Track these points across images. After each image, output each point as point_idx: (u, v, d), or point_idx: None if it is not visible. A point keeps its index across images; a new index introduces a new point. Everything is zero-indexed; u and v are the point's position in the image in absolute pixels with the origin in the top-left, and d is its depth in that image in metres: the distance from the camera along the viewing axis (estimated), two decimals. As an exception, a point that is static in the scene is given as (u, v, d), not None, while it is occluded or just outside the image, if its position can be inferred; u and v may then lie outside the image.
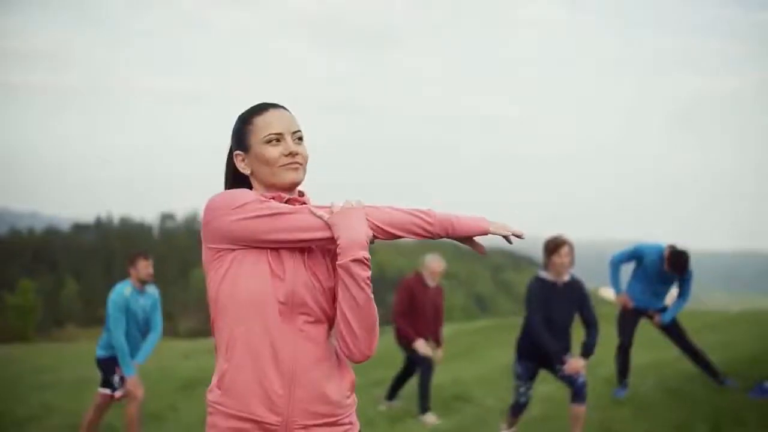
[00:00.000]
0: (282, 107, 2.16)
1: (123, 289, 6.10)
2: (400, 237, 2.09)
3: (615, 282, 6.94)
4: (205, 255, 2.09)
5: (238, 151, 2.16)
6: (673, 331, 6.86)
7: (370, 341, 2.06)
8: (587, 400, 5.44)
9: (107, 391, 6.20)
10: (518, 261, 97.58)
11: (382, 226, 2.06)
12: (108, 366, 6.20)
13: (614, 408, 6.46)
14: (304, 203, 2.14)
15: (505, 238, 2.15)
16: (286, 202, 2.11)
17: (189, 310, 52.47)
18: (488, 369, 9.82)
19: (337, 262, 2.02)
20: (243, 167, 2.16)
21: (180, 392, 10.04)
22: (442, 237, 2.10)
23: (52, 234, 77.05)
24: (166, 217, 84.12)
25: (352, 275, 1.99)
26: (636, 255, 6.85)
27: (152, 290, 6.33)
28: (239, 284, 2.02)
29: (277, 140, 2.10)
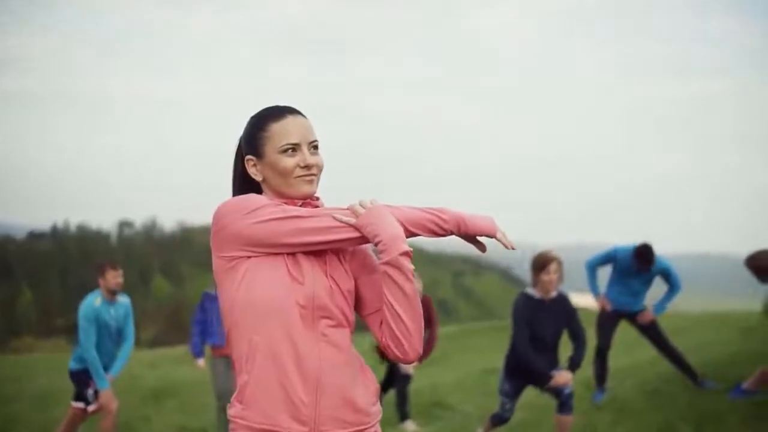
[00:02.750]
0: (299, 113, 2.08)
1: (93, 301, 5.94)
2: (416, 235, 2.05)
3: (592, 285, 6.95)
4: (218, 265, 2.00)
5: (250, 156, 2.08)
6: (653, 333, 6.88)
7: (421, 337, 2.01)
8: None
9: (80, 404, 6.03)
10: (478, 266, 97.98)
11: (404, 224, 2.00)
12: (81, 379, 6.03)
13: (595, 412, 6.45)
14: (317, 207, 2.07)
15: (503, 245, 2.12)
16: (300, 206, 2.04)
17: (149, 319, 51.75)
18: (463, 375, 9.79)
19: (382, 260, 1.95)
20: (254, 173, 2.08)
21: (150, 402, 9.84)
22: (452, 234, 2.08)
23: (7, 242, 75.43)
24: (124, 224, 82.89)
25: (402, 269, 1.94)
26: (610, 257, 6.86)
27: (123, 300, 6.17)
28: (256, 291, 1.94)
29: (293, 150, 2.02)
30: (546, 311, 5.26)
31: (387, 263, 1.94)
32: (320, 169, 2.06)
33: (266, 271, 1.94)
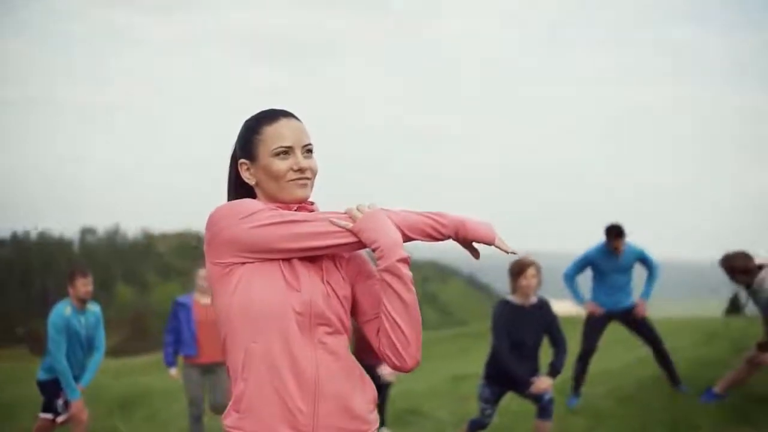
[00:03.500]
0: (293, 116, 2.05)
1: (63, 309, 5.81)
2: (414, 239, 2.02)
3: (575, 294, 6.98)
4: (212, 272, 1.95)
5: (243, 160, 2.04)
6: (646, 330, 6.91)
7: (419, 345, 1.97)
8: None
9: (49, 415, 5.89)
10: (444, 272, 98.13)
11: (402, 229, 1.98)
12: (50, 389, 5.89)
13: (569, 418, 6.47)
14: (312, 211, 2.04)
15: (502, 250, 2.10)
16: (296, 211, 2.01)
17: (112, 328, 51.08)
18: (436, 381, 9.77)
19: (379, 267, 1.91)
20: (248, 177, 2.04)
21: (117, 413, 9.71)
22: (450, 239, 2.05)
23: (-35, 250, 73.89)
24: (87, 231, 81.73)
25: (400, 276, 1.91)
26: (586, 261, 6.90)
27: (94, 308, 6.05)
28: (252, 297, 1.89)
29: (286, 153, 1.99)
30: (526, 317, 5.25)
31: (385, 270, 1.91)
32: (314, 173, 2.02)
33: (262, 278, 1.90)
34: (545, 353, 5.32)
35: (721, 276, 6.61)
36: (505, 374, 5.25)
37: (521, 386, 5.24)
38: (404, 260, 1.91)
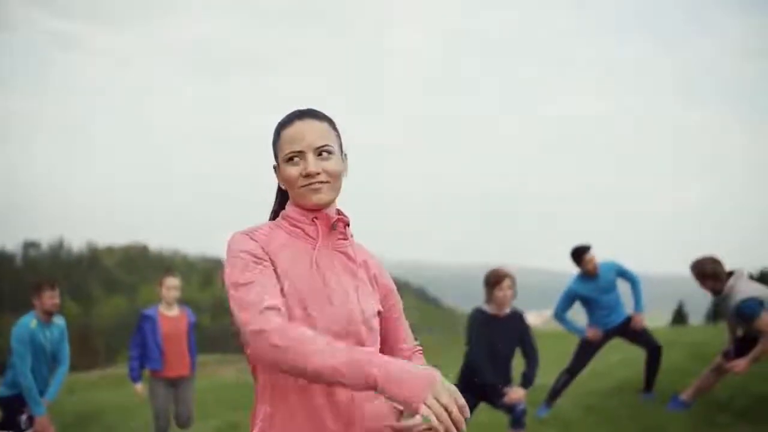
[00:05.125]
0: (311, 116, 1.92)
1: (28, 322, 5.66)
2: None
3: (573, 329, 7.06)
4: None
5: (274, 164, 1.98)
6: (645, 338, 6.96)
7: None
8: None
9: (9, 432, 5.71)
10: (398, 287, 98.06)
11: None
12: (13, 405, 5.71)
13: (539, 428, 6.49)
14: (344, 235, 1.96)
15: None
16: (333, 227, 1.93)
17: (57, 343, 49.77)
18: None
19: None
20: (279, 181, 1.99)
21: (74, 429, 9.50)
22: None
23: None
24: (29, 245, 79.87)
25: None
26: (569, 295, 6.97)
27: (59, 321, 5.91)
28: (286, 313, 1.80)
29: (297, 158, 1.88)
30: (499, 327, 5.29)
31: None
32: (331, 174, 1.89)
33: (293, 296, 1.82)
34: (518, 364, 5.36)
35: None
36: (479, 385, 5.27)
37: (494, 396, 5.26)
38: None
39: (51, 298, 5.73)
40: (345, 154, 2.00)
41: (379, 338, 1.96)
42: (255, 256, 1.82)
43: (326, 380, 1.62)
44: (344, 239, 1.96)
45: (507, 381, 5.31)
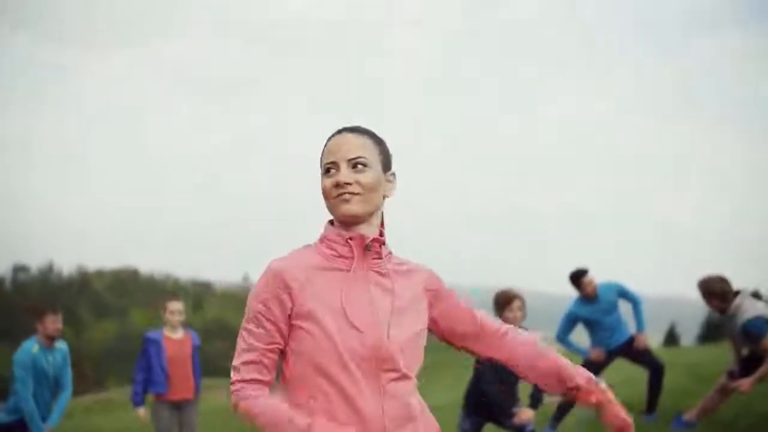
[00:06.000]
0: (351, 131, 1.93)
1: (30, 348, 5.64)
2: None
3: (576, 350, 7.08)
4: None
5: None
6: (648, 358, 6.99)
7: None
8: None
9: (12, 459, 5.65)
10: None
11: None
12: (14, 431, 5.66)
13: (543, 448, 6.48)
14: (379, 255, 1.94)
15: None
16: (367, 248, 1.91)
17: (47, 368, 49.36)
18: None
19: None
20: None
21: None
22: None
23: None
24: (19, 269, 79.33)
25: None
26: (570, 318, 7.02)
27: (61, 345, 5.90)
28: (312, 342, 1.82)
29: (331, 170, 1.89)
30: None
31: None
32: (363, 186, 1.87)
33: (322, 320, 1.82)
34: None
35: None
36: (486, 405, 5.25)
37: (503, 416, 5.24)
38: None
39: (53, 323, 5.72)
40: (392, 173, 1.99)
41: (421, 357, 1.95)
42: (266, 309, 1.86)
43: None
44: (379, 259, 1.93)
45: (515, 401, 5.30)
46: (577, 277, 6.87)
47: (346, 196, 1.86)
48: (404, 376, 1.88)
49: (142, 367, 6.48)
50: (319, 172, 1.95)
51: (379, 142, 1.97)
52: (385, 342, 1.84)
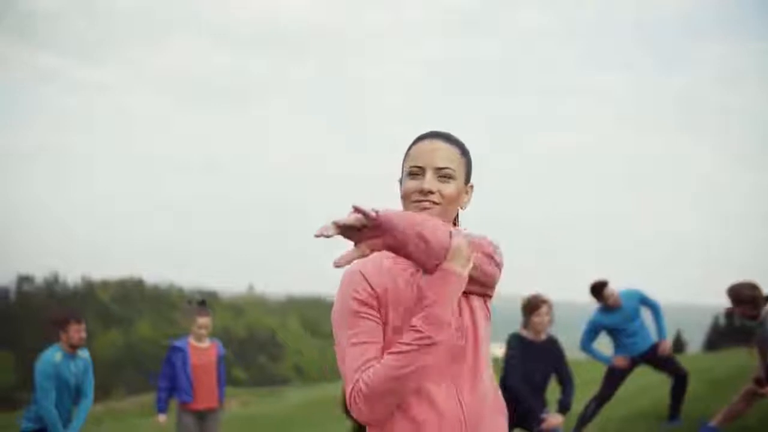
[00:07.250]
0: (442, 138, 1.94)
1: (52, 356, 5.62)
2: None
3: (599, 358, 7.09)
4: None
5: (399, 178, 1.99)
6: (672, 366, 6.98)
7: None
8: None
9: (33, 467, 5.63)
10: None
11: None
12: (36, 440, 5.64)
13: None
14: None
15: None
16: None
17: (53, 378, 49.29)
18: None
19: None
20: (401, 196, 1.98)
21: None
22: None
23: None
24: (24, 279, 79.34)
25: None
26: (594, 327, 7.01)
27: (84, 354, 5.87)
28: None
29: (417, 174, 1.90)
30: (536, 353, 5.32)
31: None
32: (444, 197, 1.88)
33: (395, 325, 1.83)
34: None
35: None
36: (514, 410, 5.23)
37: (532, 421, 5.22)
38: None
39: (77, 331, 5.71)
40: (471, 185, 2.00)
41: (489, 348, 1.97)
42: (362, 304, 1.83)
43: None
44: None
45: (542, 406, 5.29)
46: (599, 290, 6.85)
47: (427, 204, 1.87)
48: (480, 372, 1.91)
49: (166, 374, 6.49)
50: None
51: (465, 153, 1.98)
52: (464, 340, 1.88)
